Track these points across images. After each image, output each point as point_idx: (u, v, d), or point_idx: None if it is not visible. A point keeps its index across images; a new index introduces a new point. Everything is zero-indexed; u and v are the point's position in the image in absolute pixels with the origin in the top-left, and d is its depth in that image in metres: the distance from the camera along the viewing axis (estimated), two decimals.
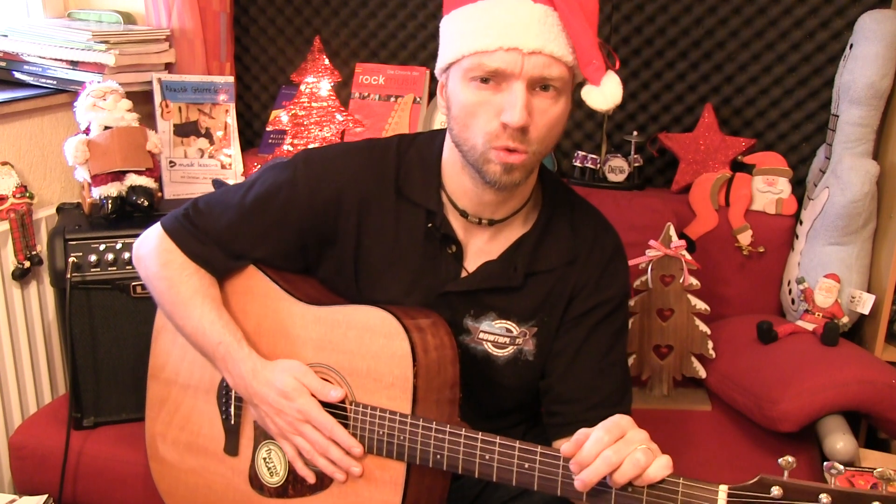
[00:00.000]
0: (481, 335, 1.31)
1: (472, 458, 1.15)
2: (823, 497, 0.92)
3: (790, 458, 0.96)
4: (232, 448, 1.37)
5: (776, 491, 0.94)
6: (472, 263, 1.31)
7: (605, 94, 1.17)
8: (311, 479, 1.27)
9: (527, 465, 1.11)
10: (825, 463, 0.96)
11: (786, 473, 0.96)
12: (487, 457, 1.14)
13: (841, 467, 0.95)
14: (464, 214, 1.29)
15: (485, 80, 1.14)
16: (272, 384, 1.25)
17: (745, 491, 0.96)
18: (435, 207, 1.29)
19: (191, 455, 1.42)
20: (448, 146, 1.28)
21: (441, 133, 1.32)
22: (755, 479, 0.96)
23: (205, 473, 1.40)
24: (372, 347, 1.23)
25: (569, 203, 1.34)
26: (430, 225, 1.29)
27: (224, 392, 1.38)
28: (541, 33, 1.12)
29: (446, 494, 1.28)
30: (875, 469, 0.95)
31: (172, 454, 1.44)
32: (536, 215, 1.32)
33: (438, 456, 1.17)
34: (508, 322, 1.31)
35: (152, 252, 1.37)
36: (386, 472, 1.22)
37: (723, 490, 0.98)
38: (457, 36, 1.17)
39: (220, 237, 1.35)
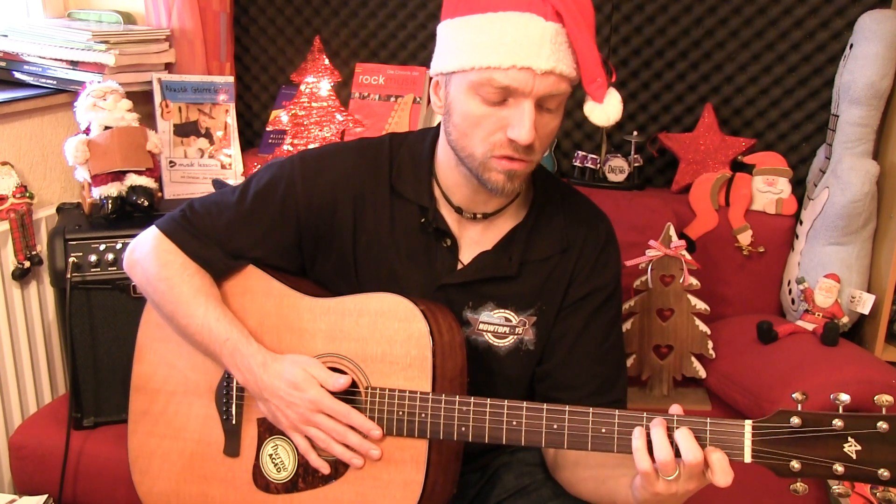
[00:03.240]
0: (481, 326, 1.33)
1: (500, 426, 1.16)
2: (837, 421, 1.02)
3: (801, 395, 1.05)
4: (233, 449, 1.36)
5: (795, 420, 1.03)
6: (466, 255, 1.33)
7: (607, 111, 1.20)
8: (325, 469, 1.27)
9: (556, 426, 1.13)
10: (831, 395, 1.04)
11: (799, 406, 1.05)
12: (514, 422, 1.16)
13: (845, 397, 1.03)
14: (458, 210, 1.31)
15: (494, 99, 1.15)
16: (282, 376, 1.26)
17: (769, 423, 1.04)
18: (427, 203, 1.31)
19: (185, 463, 1.39)
20: (442, 144, 1.30)
21: (432, 130, 1.35)
22: (775, 412, 1.05)
23: (200, 480, 1.37)
24: (386, 332, 1.24)
25: (560, 193, 1.37)
26: (423, 220, 1.31)
27: (224, 392, 1.37)
28: (553, 53, 1.13)
29: (458, 477, 1.29)
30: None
31: (162, 466, 1.40)
32: (528, 206, 1.34)
33: (463, 428, 1.18)
34: (507, 311, 1.32)
35: (150, 254, 1.37)
36: (406, 452, 1.22)
37: (748, 424, 1.06)
38: (464, 46, 1.17)
39: (220, 237, 1.36)
